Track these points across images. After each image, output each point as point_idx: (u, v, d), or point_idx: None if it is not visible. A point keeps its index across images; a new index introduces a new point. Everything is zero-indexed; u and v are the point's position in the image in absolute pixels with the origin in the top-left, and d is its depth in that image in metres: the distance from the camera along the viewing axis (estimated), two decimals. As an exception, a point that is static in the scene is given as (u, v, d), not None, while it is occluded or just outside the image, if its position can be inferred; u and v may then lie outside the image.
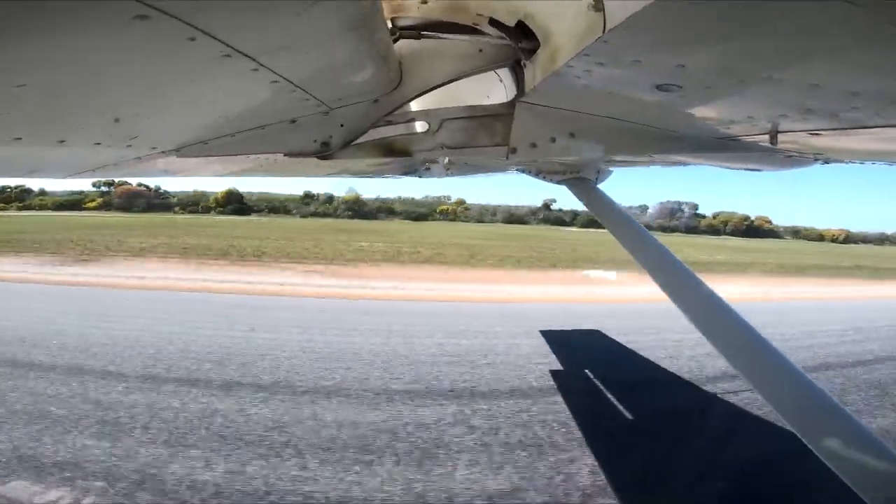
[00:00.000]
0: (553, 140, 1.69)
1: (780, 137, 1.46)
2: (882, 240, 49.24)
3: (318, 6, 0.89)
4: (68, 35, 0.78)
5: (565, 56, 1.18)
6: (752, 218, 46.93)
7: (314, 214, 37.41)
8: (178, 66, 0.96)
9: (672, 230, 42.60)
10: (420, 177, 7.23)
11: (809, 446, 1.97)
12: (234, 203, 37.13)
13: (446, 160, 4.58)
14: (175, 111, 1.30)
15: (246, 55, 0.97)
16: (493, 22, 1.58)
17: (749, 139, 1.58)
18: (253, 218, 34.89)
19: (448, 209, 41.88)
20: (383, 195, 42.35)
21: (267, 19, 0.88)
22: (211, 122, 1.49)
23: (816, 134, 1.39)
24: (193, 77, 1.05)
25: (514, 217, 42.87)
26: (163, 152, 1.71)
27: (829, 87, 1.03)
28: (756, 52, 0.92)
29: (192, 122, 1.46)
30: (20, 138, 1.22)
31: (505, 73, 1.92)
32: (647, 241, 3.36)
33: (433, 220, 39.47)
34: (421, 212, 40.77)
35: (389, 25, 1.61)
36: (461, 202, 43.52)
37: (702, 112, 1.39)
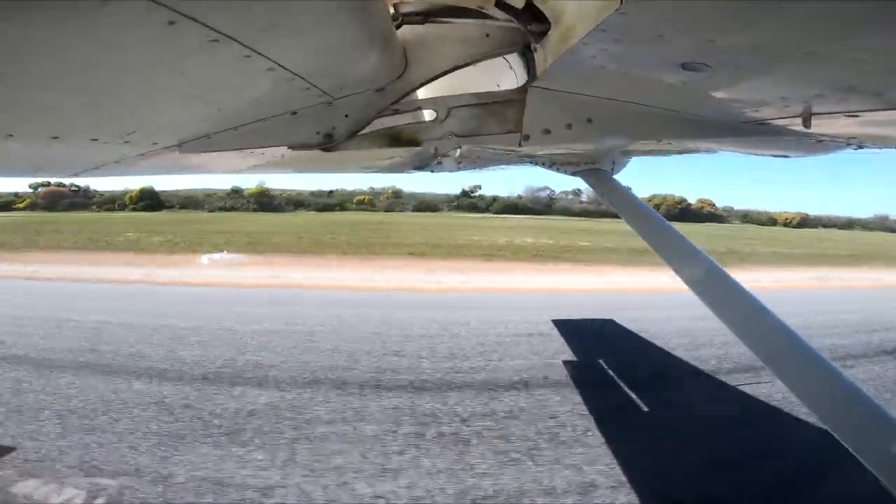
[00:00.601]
0: (569, 126, 1.60)
1: (814, 120, 1.36)
2: (850, 224, 48.75)
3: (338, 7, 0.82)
4: (43, 23, 0.73)
5: (579, 34, 1.10)
6: (691, 201, 46.82)
7: (221, 209, 38.55)
8: (160, 53, 0.90)
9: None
10: (432, 171, 7.17)
11: (837, 437, 1.90)
12: (146, 200, 38.63)
13: (457, 153, 4.50)
14: (167, 102, 1.25)
15: (235, 40, 0.90)
16: (501, 4, 1.50)
17: (779, 122, 1.47)
18: (161, 214, 36.10)
19: (365, 199, 44.00)
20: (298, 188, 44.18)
21: (276, 13, 0.82)
22: (209, 114, 1.44)
23: (854, 115, 1.28)
24: (180, 65, 0.99)
25: (425, 205, 44.29)
26: (165, 148, 1.66)
27: (874, 63, 0.93)
28: (797, 22, 0.83)
29: (189, 114, 1.41)
30: (11, 135, 1.18)
31: (514, 59, 1.83)
32: (667, 232, 3.25)
33: (349, 210, 41.23)
34: (327, 202, 42.61)
35: (392, 11, 1.54)
36: (396, 192, 45.38)
37: (730, 93, 1.29)
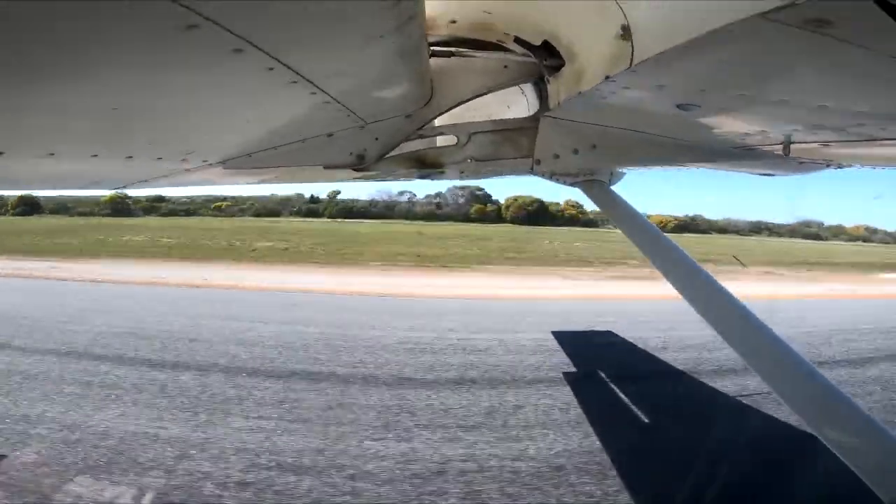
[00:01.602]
0: (576, 152, 1.79)
1: (793, 147, 1.56)
2: (759, 229, 49.05)
3: (382, 39, 0.99)
4: (162, 66, 0.90)
5: (591, 78, 1.28)
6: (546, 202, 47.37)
7: (80, 214, 39.35)
8: (251, 91, 1.08)
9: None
10: (432, 179, 7.32)
11: (822, 440, 2.05)
12: (23, 206, 39.12)
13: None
14: (224, 126, 1.42)
15: (311, 82, 1.08)
16: (519, 40, 1.68)
17: (763, 149, 1.67)
18: (32, 218, 36.49)
19: (222, 206, 45.22)
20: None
21: (336, 49, 0.99)
22: (258, 135, 1.61)
23: (827, 145, 1.48)
24: (244, 93, 1.16)
25: (266, 210, 44.75)
26: (210, 165, 1.83)
27: (835, 108, 1.12)
28: (769, 79, 1.02)
29: (242, 135, 1.58)
30: (96, 155, 1.36)
31: (528, 88, 2.02)
32: (662, 243, 3.42)
33: (200, 215, 41.99)
34: (172, 208, 43.45)
35: None
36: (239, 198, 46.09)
37: (718, 126, 1.49)
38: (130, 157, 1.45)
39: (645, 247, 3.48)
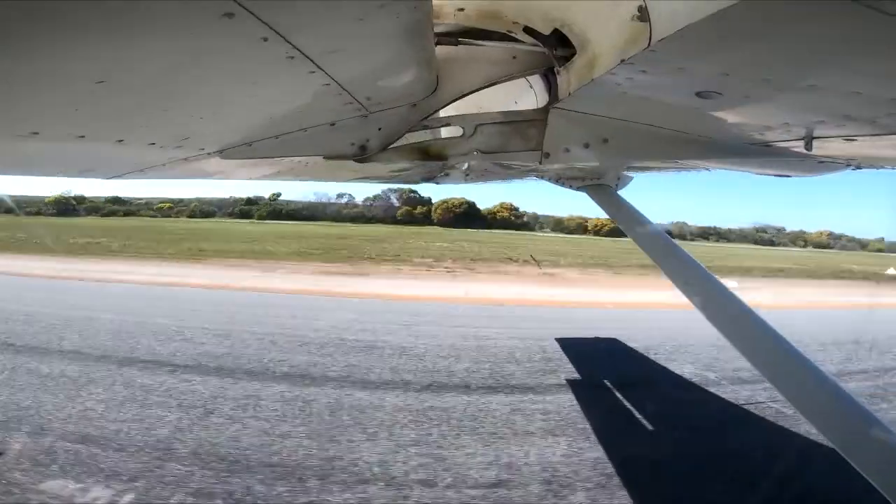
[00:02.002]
0: (587, 145, 1.72)
1: (815, 143, 1.49)
2: (706, 234, 50.13)
3: (383, 10, 0.94)
4: (151, 34, 0.84)
5: (606, 64, 1.22)
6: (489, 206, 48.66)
7: (28, 213, 40.71)
8: (247, 67, 1.02)
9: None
10: (437, 183, 7.29)
11: (838, 450, 1.99)
12: None
13: (465, 165, 4.63)
14: (231, 113, 1.37)
15: (308, 57, 1.02)
16: (528, 30, 1.62)
17: (782, 145, 1.60)
18: None
19: (164, 206, 48.09)
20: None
21: (334, 22, 0.93)
22: (259, 123, 1.55)
23: (851, 139, 1.41)
24: (257, 78, 1.11)
25: (200, 212, 47.62)
26: (208, 154, 1.78)
27: (868, 94, 1.05)
28: (799, 60, 0.95)
29: (243, 123, 1.53)
30: (83, 136, 1.29)
31: (536, 80, 1.96)
32: (670, 248, 3.36)
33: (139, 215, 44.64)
34: (112, 209, 45.96)
35: None
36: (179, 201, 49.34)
37: (738, 118, 1.42)
38: (121, 140, 1.39)
39: (653, 252, 3.41)
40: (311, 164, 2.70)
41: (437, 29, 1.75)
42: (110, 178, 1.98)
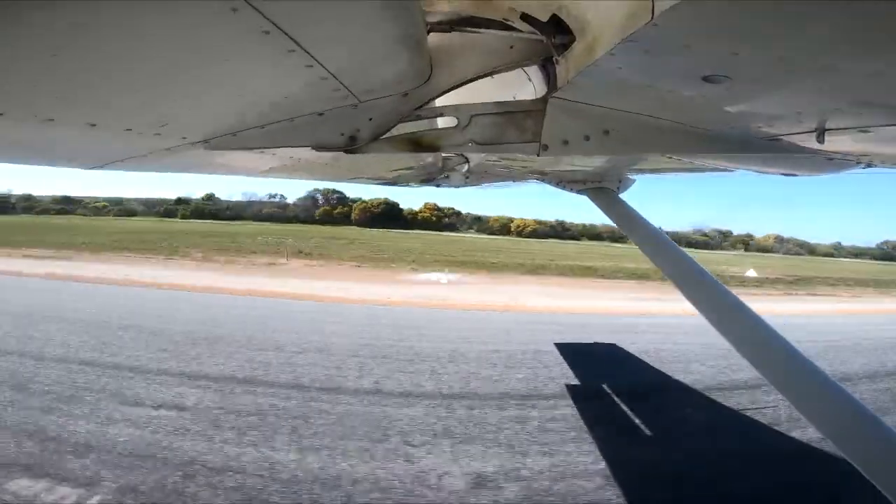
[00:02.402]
0: (587, 138, 1.65)
1: (827, 137, 1.41)
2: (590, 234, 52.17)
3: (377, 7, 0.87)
4: (117, 5, 0.77)
5: (607, 45, 1.15)
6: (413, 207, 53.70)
7: None
8: (216, 41, 0.95)
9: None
10: (438, 185, 7.25)
11: (840, 450, 1.94)
12: None
13: (465, 168, 4.57)
14: (207, 94, 1.29)
15: (286, 33, 0.95)
16: (525, 17, 1.56)
17: (792, 138, 1.52)
18: None
19: (91, 205, 54.22)
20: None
21: (317, 6, 0.87)
22: (241, 110, 1.48)
23: (867, 131, 1.33)
24: (230, 55, 1.03)
25: (125, 211, 54.26)
26: (192, 143, 1.70)
27: (891, 76, 0.98)
28: (819, 36, 0.87)
29: (223, 109, 1.45)
30: (52, 119, 1.22)
31: (533, 71, 1.89)
32: (672, 252, 3.29)
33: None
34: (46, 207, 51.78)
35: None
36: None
37: (747, 107, 1.34)
38: (93, 124, 1.32)
39: (654, 255, 3.35)
40: (304, 160, 2.63)
41: (431, 17, 1.69)
42: (91, 167, 1.91)
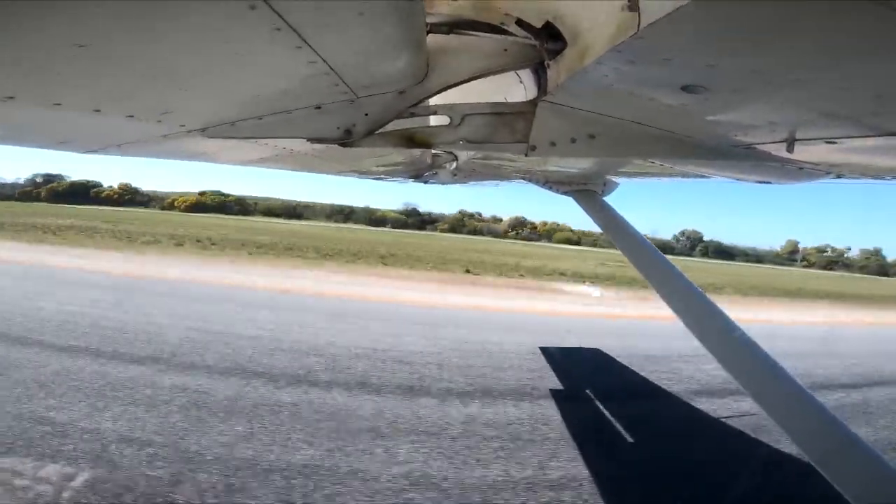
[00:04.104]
0: (573, 140, 1.72)
1: (797, 147, 1.50)
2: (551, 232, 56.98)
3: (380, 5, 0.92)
4: None
5: (595, 53, 1.22)
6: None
7: None
8: (229, 36, 0.99)
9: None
10: (426, 182, 7.28)
11: (809, 459, 2.02)
12: None
13: (453, 165, 4.63)
14: (212, 86, 1.33)
15: (296, 31, 1.00)
16: (520, 22, 1.62)
17: (765, 148, 1.62)
18: None
19: None
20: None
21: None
22: (242, 101, 1.52)
23: (833, 142, 1.43)
24: (240, 50, 1.08)
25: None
26: (189, 132, 1.73)
27: (856, 90, 1.07)
28: (789, 52, 0.95)
29: (225, 100, 1.49)
30: (60, 104, 1.25)
31: (525, 74, 1.96)
32: (653, 255, 3.39)
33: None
34: None
35: None
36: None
37: (722, 116, 1.43)
38: (98, 110, 1.35)
39: (635, 259, 3.46)
40: (297, 152, 2.67)
41: (430, 18, 1.74)
42: (87, 151, 1.92)
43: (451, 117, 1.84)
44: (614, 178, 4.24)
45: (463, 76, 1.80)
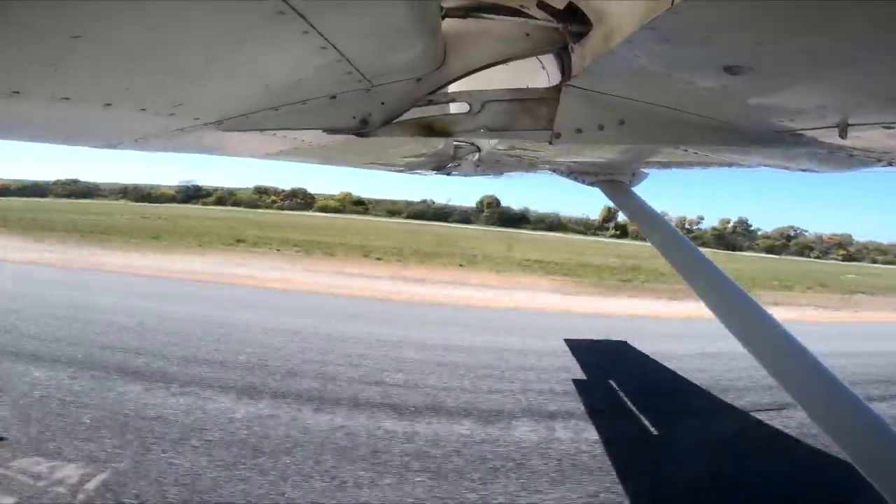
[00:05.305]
0: (601, 127, 1.62)
1: (850, 133, 1.37)
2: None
3: None
4: None
5: (625, 32, 1.12)
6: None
7: None
8: (231, 22, 0.94)
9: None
10: (449, 174, 7.20)
11: (847, 456, 1.93)
12: None
13: (476, 157, 4.53)
14: (221, 76, 1.29)
15: (300, 14, 0.93)
16: (541, 4, 1.53)
17: (813, 133, 1.49)
18: None
19: None
20: None
21: None
22: (254, 92, 1.48)
23: (890, 127, 1.29)
24: (245, 36, 1.02)
25: None
26: (205, 124, 1.70)
27: None
28: (845, 28, 0.84)
29: (236, 90, 1.45)
30: (68, 98, 1.22)
31: (548, 59, 1.86)
32: (683, 246, 3.25)
33: None
34: None
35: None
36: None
37: (768, 100, 1.30)
38: (109, 104, 1.32)
39: (664, 248, 3.32)
40: (315, 144, 2.63)
41: (446, 2, 1.66)
42: (104, 146, 1.92)
43: (470, 105, 1.76)
44: (643, 169, 4.08)
45: (482, 62, 1.72)
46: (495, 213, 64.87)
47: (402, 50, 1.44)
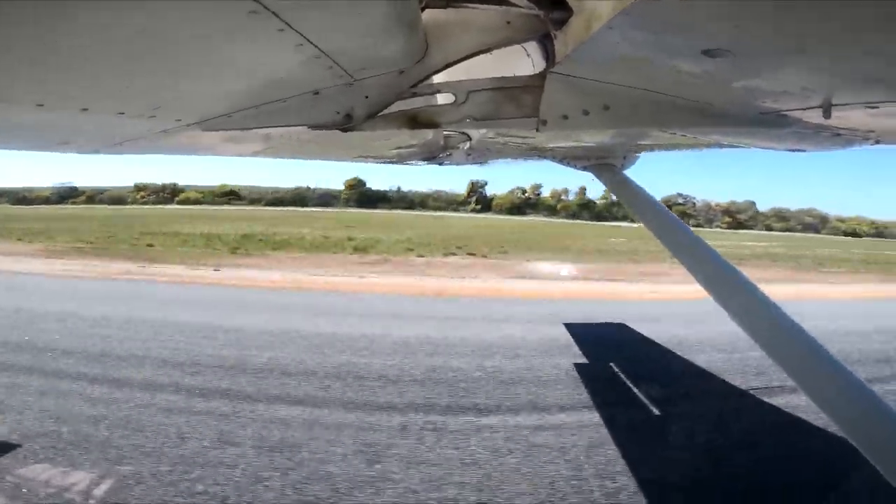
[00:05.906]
0: (586, 113, 1.61)
1: (834, 112, 1.37)
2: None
3: None
4: None
5: (604, 18, 1.11)
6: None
7: None
8: (205, 24, 0.92)
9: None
10: (440, 164, 7.16)
11: (852, 441, 1.93)
12: None
13: (467, 145, 4.50)
14: (197, 77, 1.27)
15: (273, 12, 0.92)
16: None
17: (798, 114, 1.48)
18: None
19: None
20: None
21: None
22: (234, 91, 1.46)
23: (874, 106, 1.29)
24: (218, 37, 1.01)
25: None
26: (187, 125, 1.69)
27: (891, 53, 0.94)
28: (824, 9, 0.83)
29: (215, 91, 1.43)
30: (42, 104, 1.21)
31: (531, 47, 1.85)
32: (677, 229, 3.25)
33: None
34: None
35: None
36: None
37: (750, 82, 1.30)
38: (86, 109, 1.30)
39: (660, 233, 3.32)
40: (303, 140, 2.60)
41: None
42: (88, 152, 1.90)
43: (455, 95, 1.74)
44: (634, 152, 4.07)
45: (465, 51, 1.70)
46: (355, 195, 66.78)
47: (382, 43, 1.42)
